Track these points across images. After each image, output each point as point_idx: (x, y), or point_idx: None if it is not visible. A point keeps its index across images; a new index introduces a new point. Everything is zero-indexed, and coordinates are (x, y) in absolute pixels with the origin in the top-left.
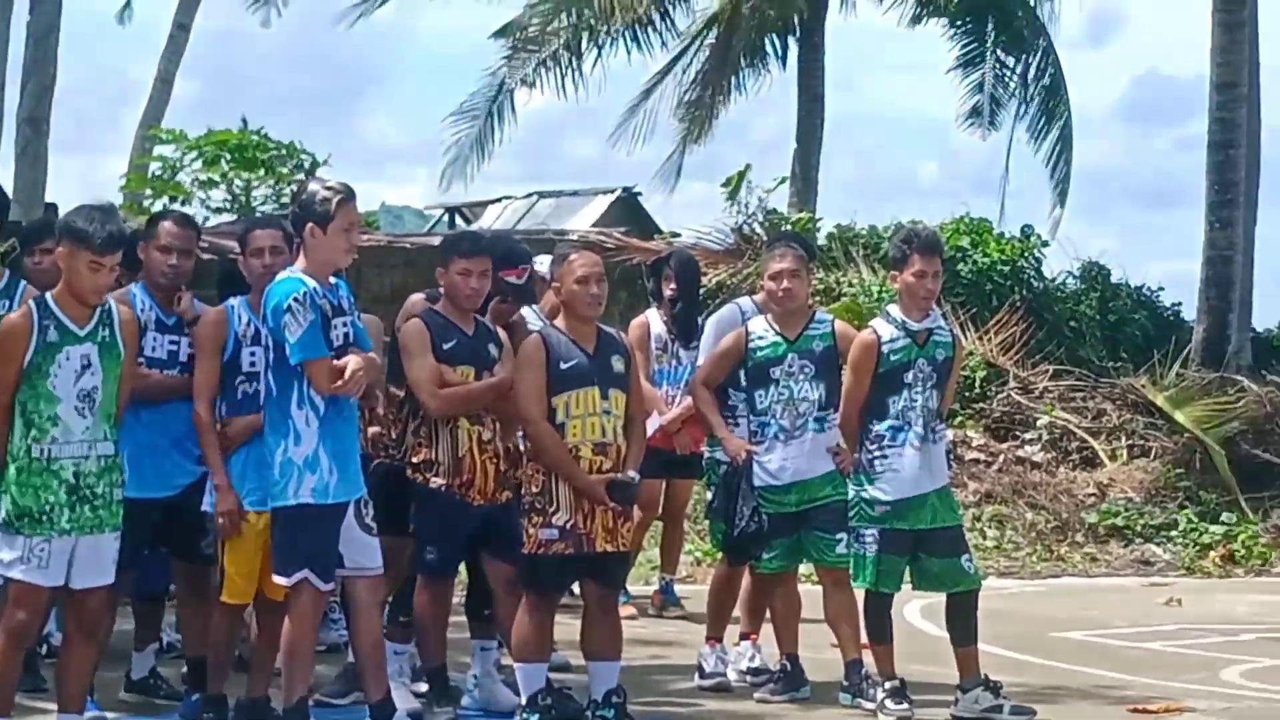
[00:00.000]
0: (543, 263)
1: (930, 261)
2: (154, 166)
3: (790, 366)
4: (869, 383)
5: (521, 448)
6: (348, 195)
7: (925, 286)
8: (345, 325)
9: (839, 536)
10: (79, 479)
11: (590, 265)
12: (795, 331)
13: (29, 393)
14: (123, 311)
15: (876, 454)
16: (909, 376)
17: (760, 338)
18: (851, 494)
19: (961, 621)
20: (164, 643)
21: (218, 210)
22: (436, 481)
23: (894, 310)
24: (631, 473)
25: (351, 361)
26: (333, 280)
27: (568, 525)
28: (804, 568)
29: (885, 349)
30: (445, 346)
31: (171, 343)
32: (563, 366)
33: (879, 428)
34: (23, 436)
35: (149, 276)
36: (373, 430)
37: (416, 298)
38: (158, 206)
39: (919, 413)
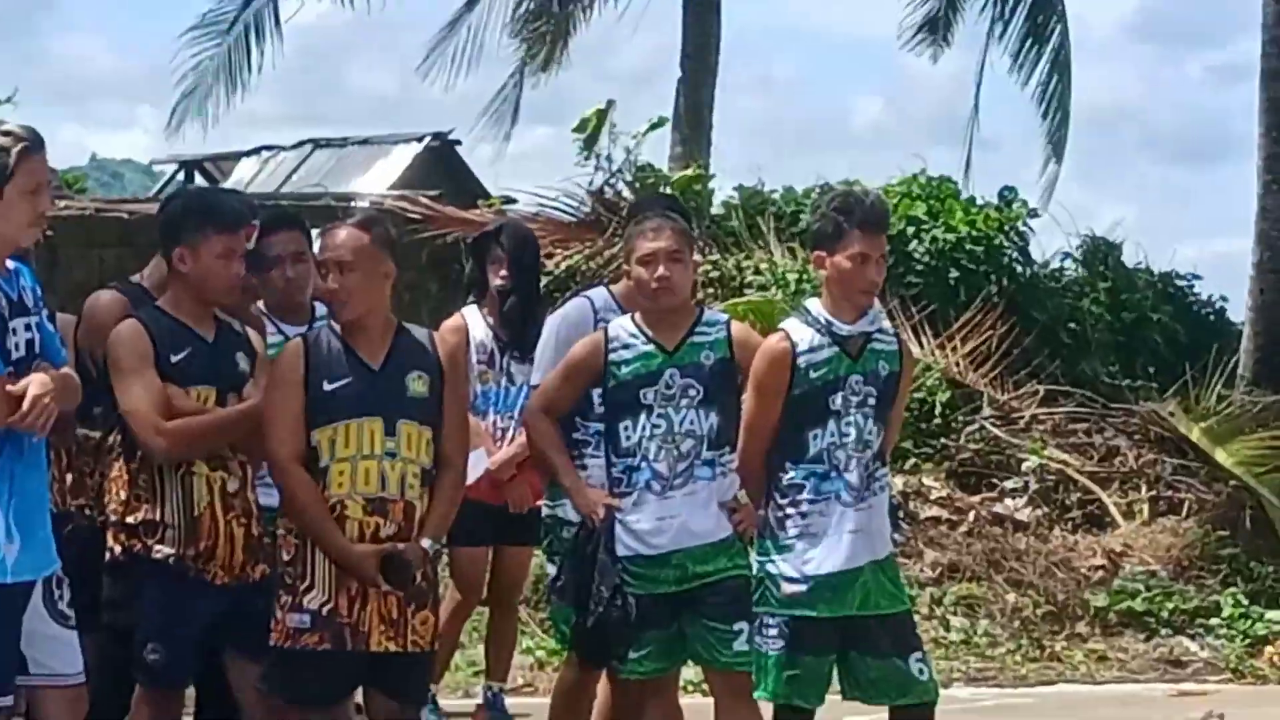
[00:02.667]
0: (319, 239)
1: (874, 241)
2: None
3: (669, 388)
4: (779, 409)
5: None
6: (33, 144)
7: (866, 276)
8: (29, 329)
9: (737, 628)
10: None
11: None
12: (675, 338)
13: None
14: None
15: (789, 511)
16: (837, 401)
17: (625, 347)
18: (755, 567)
19: None
20: None
21: None
22: (162, 550)
23: (815, 307)
24: (426, 542)
25: (36, 382)
26: (10, 266)
27: (324, 610)
28: (689, 672)
29: (803, 361)
30: (174, 359)
31: None
32: (327, 387)
33: (793, 474)
34: None
35: None
36: (70, 478)
37: (104, 297)
38: None
39: (851, 453)
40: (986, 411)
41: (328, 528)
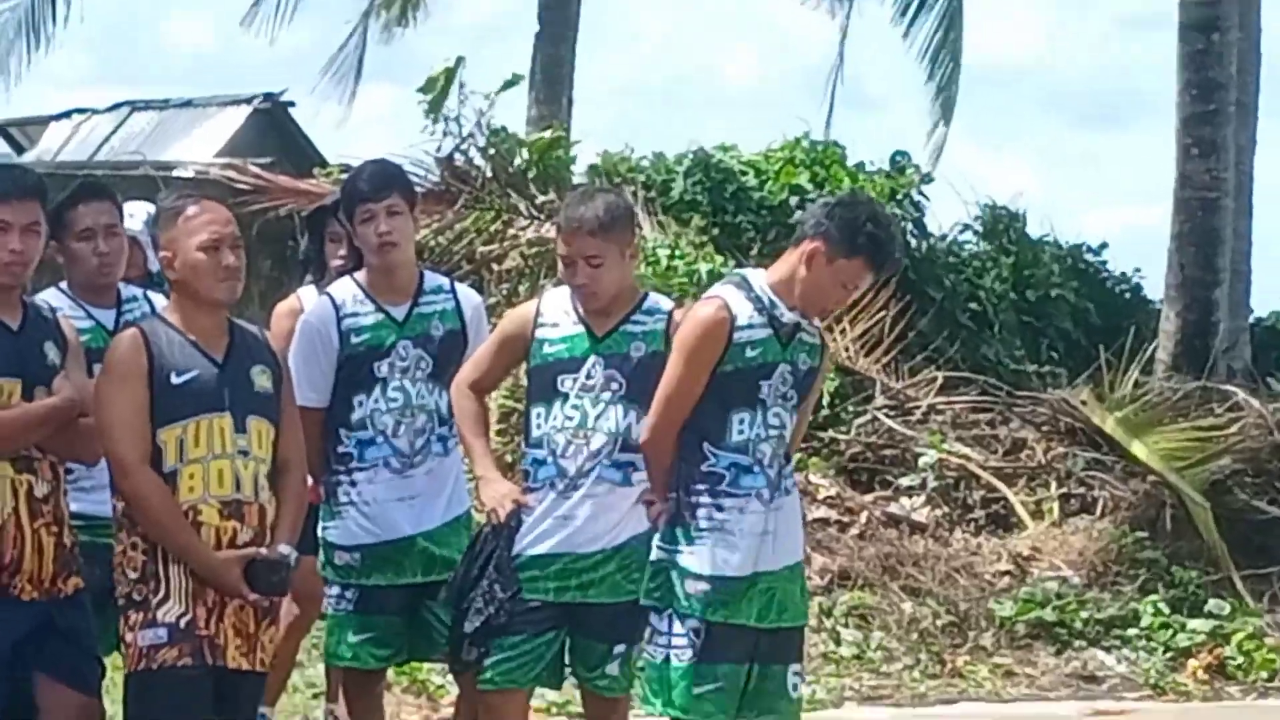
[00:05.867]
0: (134, 215)
1: (870, 279)
2: None
3: (590, 377)
4: (703, 383)
5: (112, 509)
6: None
7: (835, 300)
8: None
9: (616, 650)
10: None
11: (220, 223)
12: (606, 326)
13: None
14: None
15: (703, 501)
16: (764, 389)
17: (554, 325)
18: (655, 555)
19: None
20: None
21: None
22: None
23: (759, 283)
24: (284, 547)
25: None
26: None
27: (182, 622)
28: (554, 694)
29: (740, 337)
30: None
31: None
32: (175, 381)
33: (713, 461)
34: None
35: None
36: None
37: None
38: None
39: (774, 448)
40: (879, 401)
41: (186, 534)
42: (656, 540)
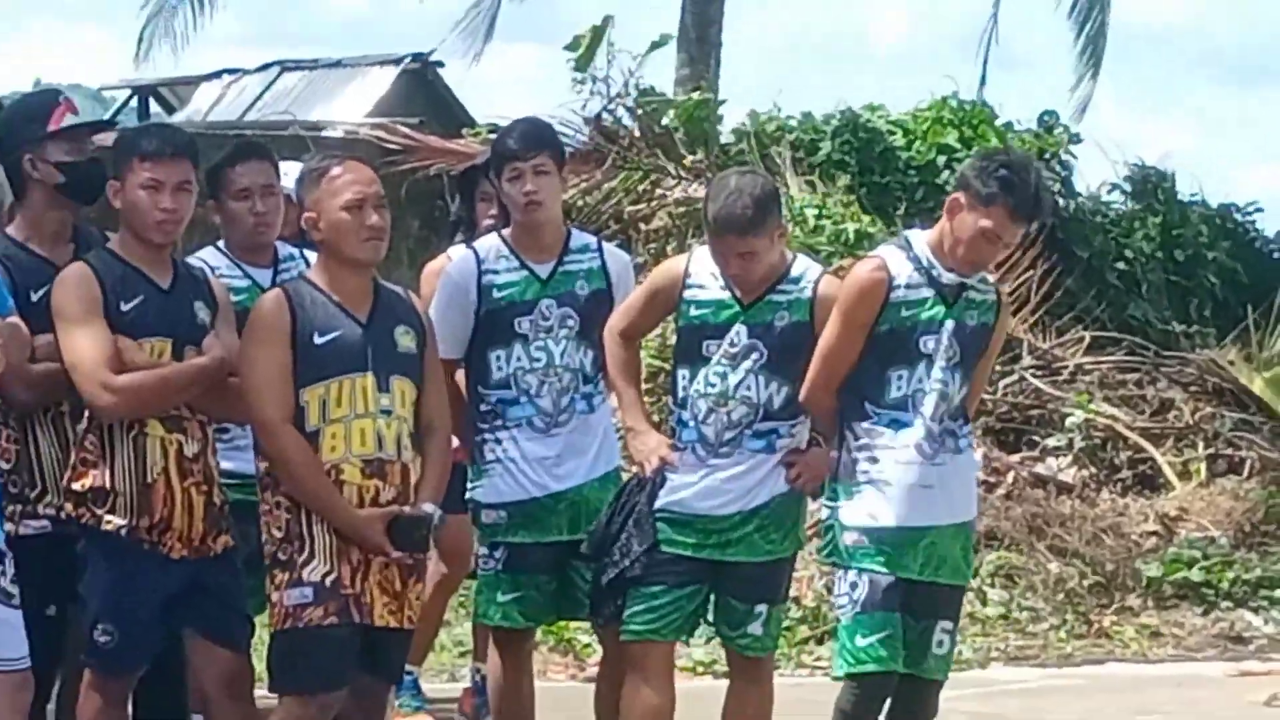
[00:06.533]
0: (289, 174)
1: (1010, 229)
2: None
3: (734, 345)
4: (861, 342)
5: (256, 469)
6: None
7: (983, 251)
8: None
9: (757, 609)
10: None
11: (365, 183)
12: (753, 294)
13: None
14: None
15: (859, 456)
16: (928, 344)
17: (701, 287)
18: (824, 513)
19: None
20: None
21: None
22: (113, 522)
23: (919, 243)
24: (427, 505)
25: None
26: None
27: (327, 581)
28: (699, 651)
29: (897, 296)
30: (125, 308)
31: None
32: (318, 341)
33: (872, 418)
34: None
35: None
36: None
37: None
38: None
39: (935, 402)
40: (1026, 361)
41: (329, 493)
42: (822, 499)
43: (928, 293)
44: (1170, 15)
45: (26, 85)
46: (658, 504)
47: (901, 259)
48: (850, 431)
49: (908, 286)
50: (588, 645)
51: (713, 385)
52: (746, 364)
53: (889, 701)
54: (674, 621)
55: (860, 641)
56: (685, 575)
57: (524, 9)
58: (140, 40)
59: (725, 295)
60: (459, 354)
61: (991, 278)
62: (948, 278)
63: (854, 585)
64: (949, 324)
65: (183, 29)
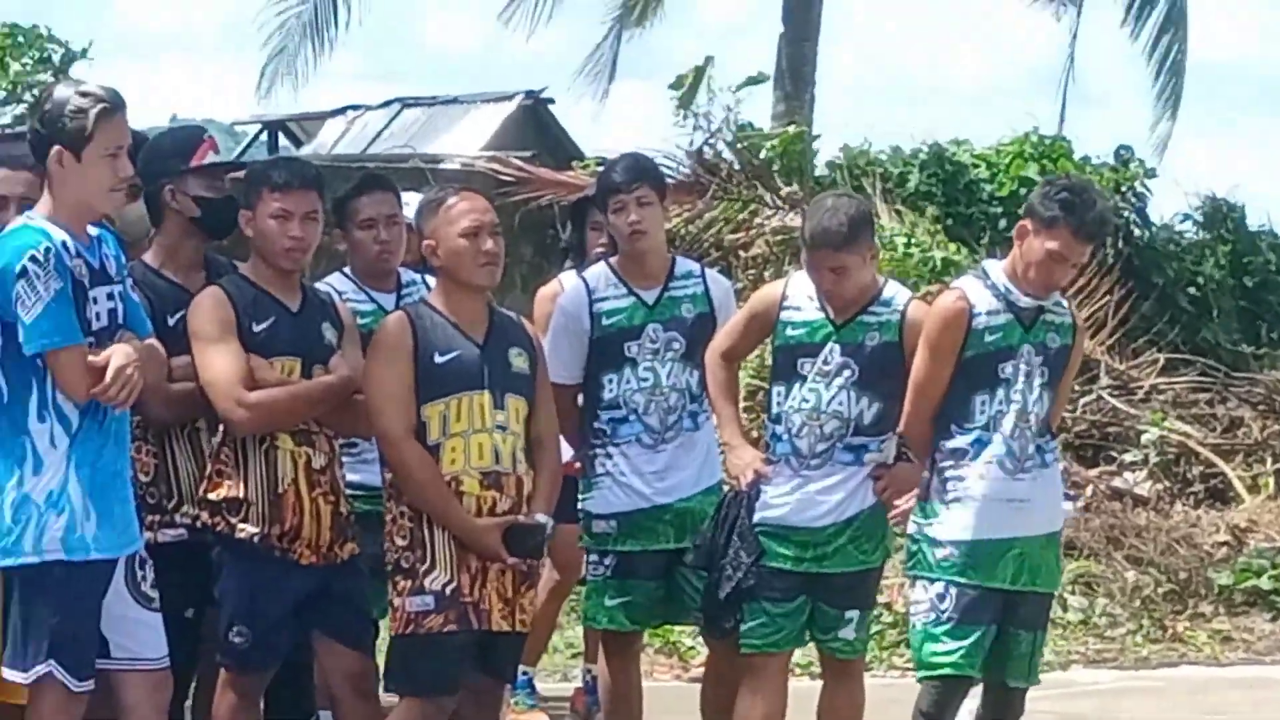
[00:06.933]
0: (410, 204)
1: (1076, 248)
2: None
3: (827, 363)
4: (950, 370)
5: (381, 480)
6: (113, 105)
7: (1053, 274)
8: (112, 298)
9: (849, 615)
10: None
11: (480, 212)
12: (846, 315)
13: None
14: None
15: (949, 475)
16: (1007, 369)
17: (797, 309)
18: (913, 528)
19: None
20: None
21: None
22: (246, 530)
23: (995, 272)
24: (540, 515)
25: (118, 353)
26: (93, 232)
27: (448, 590)
28: (798, 654)
29: (979, 324)
30: (257, 329)
31: None
32: (438, 360)
33: (958, 439)
34: None
35: None
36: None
37: None
38: None
39: (1016, 422)
40: (1104, 381)
41: (449, 503)
42: (913, 516)
43: (1006, 318)
44: (1236, 51)
45: (163, 121)
46: (756, 518)
47: (980, 288)
48: (938, 451)
49: (988, 313)
50: (692, 647)
51: (806, 401)
52: (839, 381)
53: (979, 705)
54: (790, 633)
55: (942, 648)
56: (791, 588)
57: (631, 49)
58: (262, 77)
59: (819, 316)
60: (576, 379)
61: (1066, 302)
62: (1025, 302)
63: (941, 596)
64: (1027, 347)
65: (303, 66)
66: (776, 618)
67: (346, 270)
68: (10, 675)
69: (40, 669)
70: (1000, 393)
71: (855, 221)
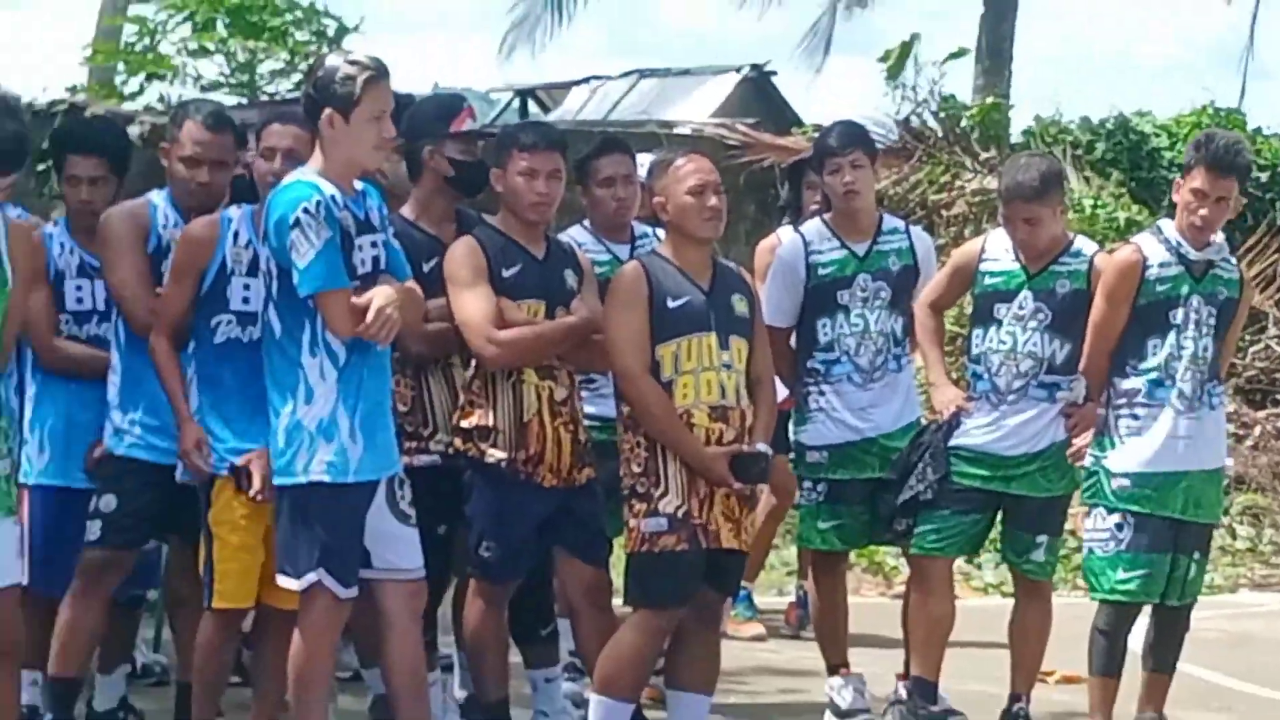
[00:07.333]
0: (642, 165)
1: (1215, 182)
2: (128, 31)
3: (1022, 308)
4: (1125, 315)
5: (618, 413)
6: (378, 73)
7: (1198, 211)
8: (375, 246)
9: (1039, 539)
10: None
11: (705, 172)
12: (1039, 265)
13: None
14: (17, 226)
15: (1123, 413)
16: (1177, 316)
17: (995, 260)
18: (1090, 462)
19: (1172, 642)
20: (138, 665)
21: (210, 87)
22: (495, 455)
23: (1169, 228)
24: (761, 445)
25: (379, 295)
26: (359, 186)
27: (679, 513)
28: (990, 575)
29: (1151, 274)
30: (506, 274)
31: (108, 288)
32: (670, 305)
33: (1132, 379)
34: None
35: (175, 193)
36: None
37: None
38: (133, 86)
39: (1187, 365)
40: (1272, 331)
41: (681, 433)
42: (1091, 449)
43: (1177, 270)
44: None
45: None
46: (953, 442)
47: (1154, 243)
48: (1115, 390)
49: (1160, 265)
50: (895, 567)
51: (1004, 343)
52: (1033, 324)
53: (1149, 624)
54: (956, 542)
55: (1121, 575)
56: (973, 504)
57: (845, 28)
58: (503, 43)
59: (1015, 266)
60: (791, 323)
61: (1235, 260)
62: (1195, 255)
63: (1119, 526)
64: (1196, 297)
65: (541, 35)
66: (950, 527)
67: (586, 224)
68: (283, 582)
69: (310, 577)
70: (1171, 338)
71: (1046, 177)
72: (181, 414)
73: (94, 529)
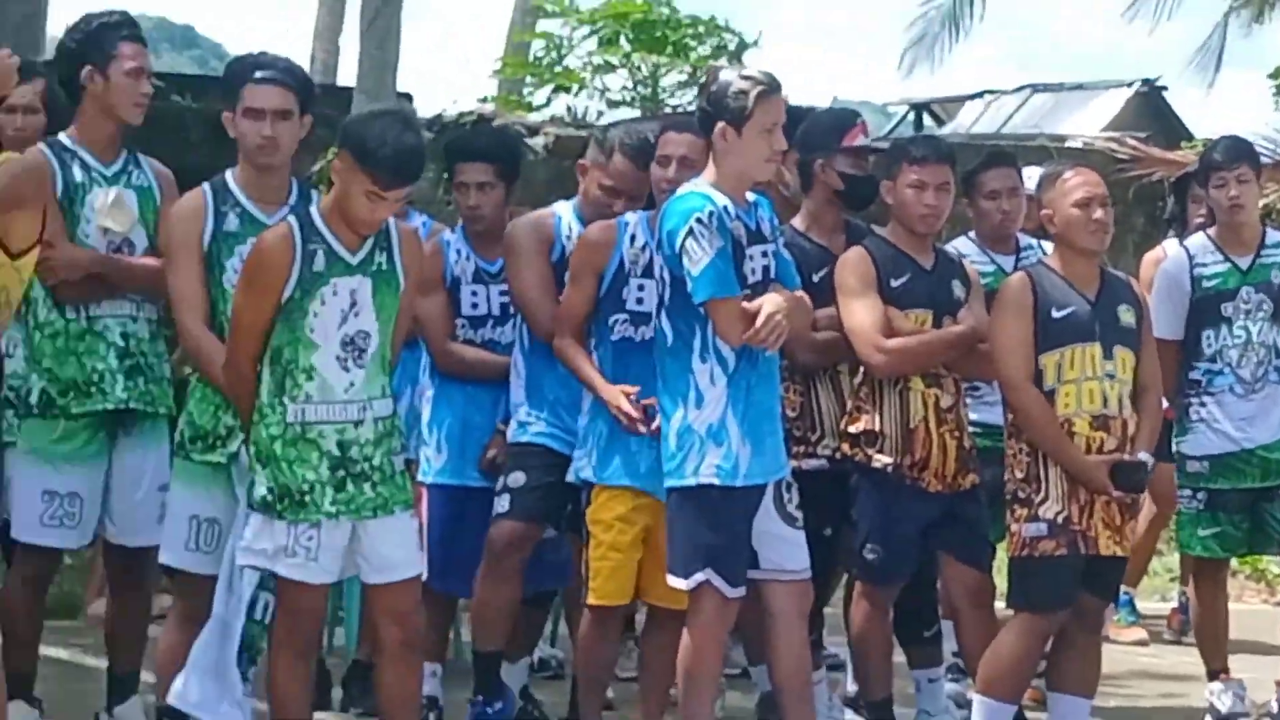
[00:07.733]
0: (1031, 176)
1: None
2: (536, 46)
3: (1246, 302)
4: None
5: (1003, 420)
6: (770, 87)
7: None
8: (765, 256)
9: None
10: (344, 449)
11: (1092, 185)
12: (1248, 259)
13: (284, 338)
14: (405, 229)
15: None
16: (1228, 309)
17: (1203, 264)
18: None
19: None
20: (535, 659)
21: (616, 104)
22: (881, 459)
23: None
24: (1143, 454)
25: (769, 302)
26: (750, 197)
27: (1059, 519)
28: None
29: (1197, 273)
30: (895, 284)
31: (502, 293)
32: (1055, 315)
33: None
34: (273, 395)
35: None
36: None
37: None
38: (541, 98)
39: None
40: None
41: (1062, 441)
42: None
43: (1223, 266)
44: None
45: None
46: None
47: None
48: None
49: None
50: (1278, 575)
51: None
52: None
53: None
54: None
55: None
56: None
57: (1238, 44)
58: (902, 60)
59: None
60: (1179, 336)
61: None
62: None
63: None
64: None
65: (940, 52)
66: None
67: (971, 235)
68: (673, 581)
69: (699, 576)
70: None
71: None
72: (599, 387)
73: (502, 502)
